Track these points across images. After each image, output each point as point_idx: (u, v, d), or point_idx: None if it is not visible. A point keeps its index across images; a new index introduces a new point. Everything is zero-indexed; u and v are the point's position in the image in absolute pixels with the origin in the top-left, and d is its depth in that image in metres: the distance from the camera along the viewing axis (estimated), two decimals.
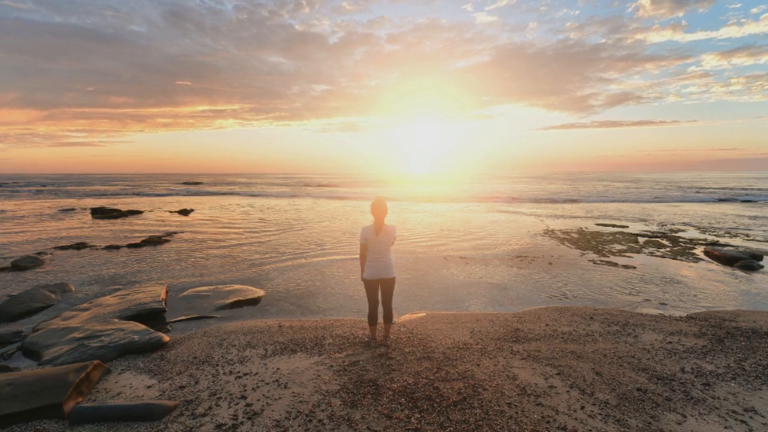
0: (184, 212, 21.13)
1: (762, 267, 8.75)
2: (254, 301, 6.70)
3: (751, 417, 3.16)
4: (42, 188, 49.94)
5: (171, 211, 21.93)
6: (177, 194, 40.37)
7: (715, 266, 8.93)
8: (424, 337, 4.84)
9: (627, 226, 15.45)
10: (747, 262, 8.85)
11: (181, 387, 3.68)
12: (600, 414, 3.16)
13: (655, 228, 14.95)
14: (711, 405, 3.32)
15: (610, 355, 4.31)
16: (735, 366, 4.05)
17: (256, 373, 3.92)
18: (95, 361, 3.89)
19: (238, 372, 3.97)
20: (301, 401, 3.36)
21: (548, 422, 3.04)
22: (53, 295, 6.81)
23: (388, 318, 4.59)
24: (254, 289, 7.27)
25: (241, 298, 6.72)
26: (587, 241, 11.96)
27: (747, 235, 13.02)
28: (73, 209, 23.09)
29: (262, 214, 20.83)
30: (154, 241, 12.05)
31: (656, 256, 9.97)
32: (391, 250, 4.49)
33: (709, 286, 7.45)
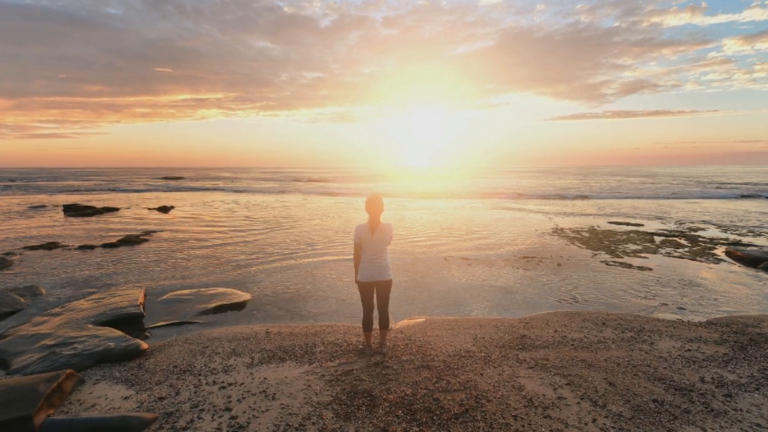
0: (164, 209, 21.06)
1: None
2: (239, 306, 6.69)
3: None
4: (10, 183, 49.64)
5: (150, 208, 21.85)
6: (156, 190, 40.25)
7: (737, 268, 8.97)
8: (423, 344, 4.84)
9: (642, 225, 15.52)
10: None
11: (161, 398, 3.67)
12: (613, 427, 3.16)
13: (672, 226, 15.01)
14: (733, 417, 3.34)
15: (623, 363, 4.33)
16: (759, 375, 4.07)
17: (242, 383, 3.91)
18: (68, 371, 3.87)
19: (222, 382, 3.96)
20: (290, 413, 3.36)
21: None
22: (22, 299, 6.77)
23: (385, 324, 4.59)
24: (239, 292, 7.26)
25: (225, 303, 6.71)
26: (599, 241, 12.00)
27: None
28: (43, 206, 22.97)
29: (248, 211, 20.79)
30: (131, 241, 12.01)
31: (674, 256, 10.02)
32: (387, 251, 4.49)
33: (730, 289, 7.49)
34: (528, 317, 6.00)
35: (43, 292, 7.34)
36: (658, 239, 12.31)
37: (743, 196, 29.35)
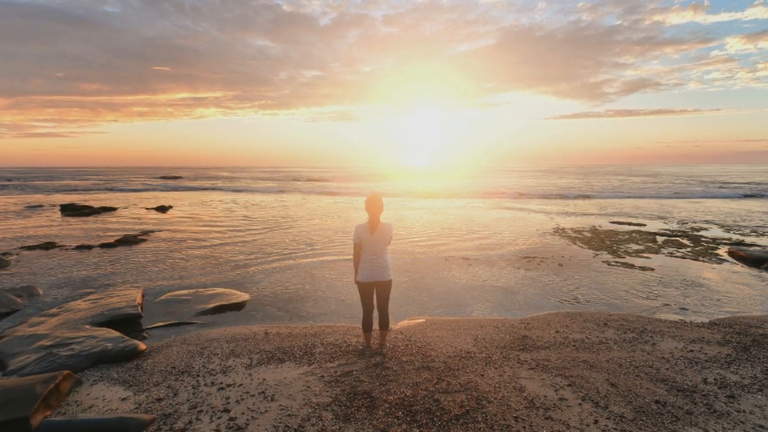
0: (162, 209, 21.05)
1: None
2: (238, 306, 6.69)
3: None
4: (7, 183, 49.65)
5: (148, 208, 21.85)
6: (154, 189, 40.25)
7: (740, 268, 8.97)
8: (423, 344, 4.84)
9: (644, 225, 15.51)
10: None
11: (159, 399, 3.67)
12: (615, 429, 3.16)
13: (675, 226, 15.01)
14: (736, 419, 3.34)
15: (625, 364, 4.33)
16: (762, 377, 4.07)
17: (241, 385, 3.91)
18: (65, 371, 3.88)
19: (221, 383, 3.96)
20: (289, 415, 3.36)
21: None
22: (19, 300, 6.77)
23: (385, 324, 4.59)
24: (238, 292, 7.25)
25: (223, 303, 6.70)
26: (601, 241, 12.00)
27: None
28: (40, 206, 22.97)
29: (246, 211, 20.79)
30: (129, 241, 12.01)
31: (676, 256, 10.02)
32: (387, 251, 4.49)
33: (733, 289, 7.49)
34: (529, 318, 6.00)
35: (40, 292, 7.33)
36: (660, 239, 12.31)
37: (746, 196, 29.34)
